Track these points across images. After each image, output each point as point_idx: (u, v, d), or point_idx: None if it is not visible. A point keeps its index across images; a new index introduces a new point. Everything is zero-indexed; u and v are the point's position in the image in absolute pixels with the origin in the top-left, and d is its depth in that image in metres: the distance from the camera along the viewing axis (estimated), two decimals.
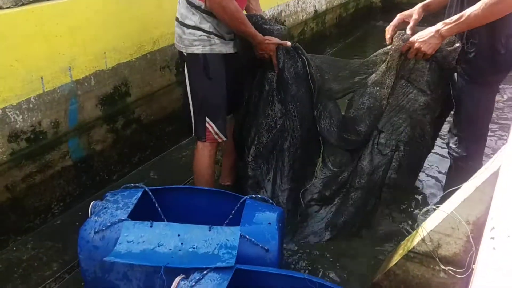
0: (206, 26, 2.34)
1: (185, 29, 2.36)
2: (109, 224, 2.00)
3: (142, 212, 2.15)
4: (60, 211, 2.73)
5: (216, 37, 2.36)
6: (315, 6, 5.44)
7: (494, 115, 2.77)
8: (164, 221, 2.22)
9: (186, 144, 3.51)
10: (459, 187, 1.63)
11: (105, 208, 2.13)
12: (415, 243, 1.81)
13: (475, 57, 2.26)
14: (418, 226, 1.77)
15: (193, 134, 2.57)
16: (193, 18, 2.34)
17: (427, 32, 2.20)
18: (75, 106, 2.67)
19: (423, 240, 1.76)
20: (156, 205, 2.24)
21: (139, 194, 2.21)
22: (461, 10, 2.15)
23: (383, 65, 2.42)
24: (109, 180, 3.01)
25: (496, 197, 1.32)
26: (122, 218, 2.03)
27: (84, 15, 2.60)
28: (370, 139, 2.51)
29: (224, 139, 2.54)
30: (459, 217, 1.50)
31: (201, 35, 2.34)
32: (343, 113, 2.61)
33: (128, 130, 3.08)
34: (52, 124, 2.58)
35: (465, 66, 2.30)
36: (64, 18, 2.50)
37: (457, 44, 2.24)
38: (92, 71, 2.73)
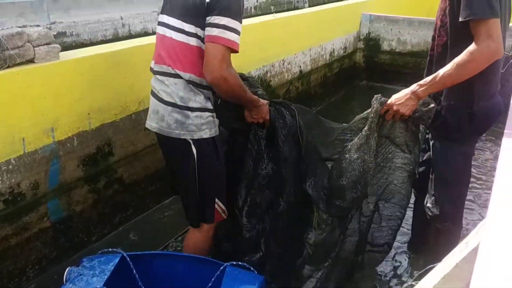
0: (209, 104, 2.22)
1: (189, 113, 2.16)
2: None
3: (120, 279, 2.09)
4: (36, 274, 2.64)
5: (215, 116, 2.26)
6: (300, 66, 5.57)
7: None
8: None
9: (168, 203, 3.47)
10: (435, 266, 1.62)
11: (80, 275, 2.07)
12: None
13: (447, 118, 2.31)
14: None
15: (194, 220, 2.37)
16: (198, 99, 2.17)
17: (403, 94, 2.24)
18: (56, 167, 2.65)
19: None
20: (134, 271, 2.18)
21: (117, 260, 2.16)
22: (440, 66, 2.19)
23: (365, 128, 2.42)
24: (88, 241, 2.95)
25: (475, 275, 1.31)
26: (98, 286, 1.97)
27: (70, 77, 2.63)
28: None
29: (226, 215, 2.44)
30: None
31: (208, 117, 2.20)
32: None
33: (109, 190, 3.05)
34: (32, 185, 2.54)
35: (439, 126, 2.35)
36: (49, 80, 2.52)
37: (432, 105, 2.28)
38: (75, 131, 2.73)
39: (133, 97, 3.06)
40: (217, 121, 2.27)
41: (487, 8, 1.99)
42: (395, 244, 2.97)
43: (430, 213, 2.52)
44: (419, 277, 1.66)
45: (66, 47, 7.22)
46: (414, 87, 2.22)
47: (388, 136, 2.42)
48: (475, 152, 4.12)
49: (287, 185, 2.44)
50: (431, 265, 1.71)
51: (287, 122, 2.42)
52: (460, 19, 2.08)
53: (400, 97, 2.25)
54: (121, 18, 8.54)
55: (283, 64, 5.18)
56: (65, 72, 2.60)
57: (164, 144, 2.34)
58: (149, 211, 3.39)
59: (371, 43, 7.23)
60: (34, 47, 2.47)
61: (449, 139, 2.37)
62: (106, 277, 2.04)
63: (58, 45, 2.59)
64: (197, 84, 2.17)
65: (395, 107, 2.25)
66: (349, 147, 2.46)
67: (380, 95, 2.34)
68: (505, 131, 2.36)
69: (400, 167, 2.45)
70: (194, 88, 2.17)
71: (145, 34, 8.42)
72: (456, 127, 2.32)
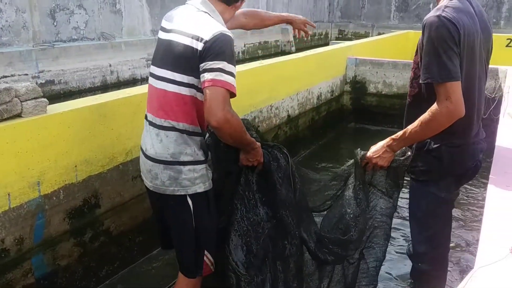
0: (201, 153, 2.20)
1: (182, 167, 2.16)
2: None
3: None
4: None
5: (208, 167, 2.25)
6: (288, 111, 5.64)
7: None
8: None
9: (156, 254, 3.41)
10: None
11: None
12: None
13: (416, 160, 2.39)
14: None
15: (191, 273, 2.32)
16: (189, 151, 2.16)
17: (380, 147, 2.37)
18: (41, 221, 2.61)
19: None
20: None
21: None
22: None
23: (351, 181, 2.50)
24: None
25: None
26: None
27: (57, 131, 2.63)
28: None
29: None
30: None
31: (201, 169, 2.19)
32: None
33: (96, 243, 3.00)
34: (16, 241, 2.49)
35: (411, 167, 2.44)
36: (36, 134, 2.51)
37: (408, 153, 2.39)
38: (61, 184, 2.70)
39: (120, 148, 3.06)
40: (210, 173, 2.27)
41: (443, 72, 2.07)
42: None
43: (407, 252, 2.64)
44: None
45: (54, 95, 7.32)
46: (388, 141, 2.34)
47: (371, 183, 2.51)
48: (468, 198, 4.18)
49: (290, 227, 2.39)
50: None
51: (281, 165, 2.40)
52: (420, 81, 2.19)
53: (377, 150, 2.37)
54: (110, 65, 8.70)
55: (271, 109, 5.23)
56: (51, 125, 2.60)
57: (159, 201, 2.33)
58: (137, 263, 3.32)
59: (357, 86, 7.37)
60: (21, 101, 2.47)
61: (420, 181, 2.44)
62: None
63: (45, 99, 2.60)
64: (190, 132, 2.17)
65: (373, 160, 2.38)
66: (344, 199, 2.51)
67: (359, 149, 2.46)
68: (490, 176, 2.40)
69: (383, 212, 2.54)
70: (187, 138, 2.17)
71: (134, 80, 8.56)
72: (424, 169, 2.39)
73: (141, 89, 3.32)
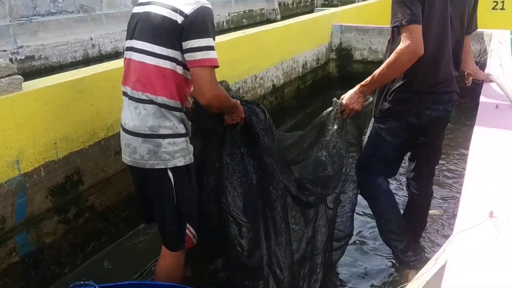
0: (181, 127, 2.20)
1: (161, 140, 2.15)
2: None
3: None
4: None
5: (188, 140, 2.25)
6: (273, 81, 5.59)
7: None
8: None
9: (142, 228, 3.41)
10: (406, 285, 1.62)
11: None
12: None
13: (376, 104, 2.75)
14: None
15: (174, 246, 2.34)
16: (168, 124, 2.15)
17: (353, 94, 2.66)
18: (23, 199, 2.58)
19: None
20: None
21: None
22: None
23: (335, 127, 2.71)
24: (60, 273, 2.87)
25: None
26: None
27: (33, 108, 2.57)
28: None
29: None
30: None
31: (181, 143, 2.19)
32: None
33: (80, 219, 2.99)
34: None
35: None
36: (11, 112, 2.46)
37: (371, 99, 2.76)
38: (42, 162, 2.67)
39: (100, 124, 3.02)
40: (191, 147, 2.26)
41: (407, 16, 2.37)
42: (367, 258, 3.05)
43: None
44: None
45: (35, 71, 7.18)
46: (359, 87, 2.65)
47: (344, 131, 2.79)
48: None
49: (275, 174, 2.50)
50: (403, 284, 1.72)
51: (261, 119, 2.53)
52: (390, 26, 2.52)
53: (351, 97, 2.66)
54: (91, 39, 8.51)
55: (255, 79, 5.18)
56: (27, 102, 2.54)
57: (138, 176, 2.32)
58: (123, 238, 3.32)
59: (343, 53, 7.31)
60: None
61: (375, 116, 2.82)
62: None
63: (20, 76, 2.54)
64: (170, 107, 2.16)
65: (350, 106, 2.66)
66: (321, 145, 2.75)
67: (335, 98, 2.74)
68: (472, 139, 2.41)
69: (353, 156, 2.89)
70: (166, 112, 2.15)
71: (116, 53, 8.40)
72: (379, 108, 2.74)
73: (119, 63, 3.25)
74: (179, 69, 2.14)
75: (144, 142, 2.16)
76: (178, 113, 2.20)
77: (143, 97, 2.15)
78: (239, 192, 2.46)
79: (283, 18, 12.82)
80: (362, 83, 2.64)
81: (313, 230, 2.69)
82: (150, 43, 2.12)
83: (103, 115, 3.03)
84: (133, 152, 2.21)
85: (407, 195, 3.15)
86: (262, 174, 2.49)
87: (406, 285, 1.64)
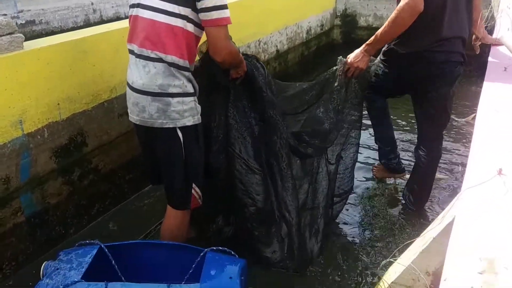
0: (190, 86, 2.19)
1: (170, 99, 2.13)
2: (61, 287, 1.91)
3: (99, 271, 2.05)
4: (12, 271, 2.59)
5: (196, 100, 2.24)
6: (276, 46, 5.51)
7: None
8: (121, 279, 2.13)
9: (147, 191, 3.42)
10: (413, 241, 1.62)
11: (57, 269, 2.03)
12: None
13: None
14: (379, 279, 1.73)
15: (181, 205, 2.35)
16: (178, 83, 2.14)
17: (359, 53, 2.74)
18: (27, 160, 2.58)
19: None
20: (113, 262, 2.14)
21: (94, 251, 2.12)
22: None
23: (335, 84, 2.79)
24: (65, 234, 2.89)
25: (450, 249, 1.31)
26: (76, 279, 1.94)
27: (35, 67, 2.53)
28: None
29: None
30: (417, 270, 1.47)
31: (190, 102, 2.17)
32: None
33: (85, 181, 2.99)
34: (3, 180, 2.47)
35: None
36: (13, 71, 2.42)
37: (376, 60, 2.88)
38: (45, 123, 2.65)
39: (104, 85, 2.98)
40: (199, 107, 2.25)
41: None
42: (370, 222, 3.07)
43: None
44: (398, 253, 1.66)
45: (35, 36, 7.06)
46: (364, 46, 2.74)
47: (346, 91, 2.85)
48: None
49: (279, 124, 2.59)
50: (409, 241, 1.72)
51: (261, 72, 2.59)
52: None
53: (356, 55, 2.74)
54: (92, 4, 8.35)
55: (259, 44, 5.11)
56: (29, 62, 2.50)
57: (147, 135, 2.30)
58: (128, 200, 3.34)
59: (347, 19, 7.20)
60: None
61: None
62: (84, 269, 2.01)
63: (21, 35, 2.49)
64: (179, 66, 2.14)
65: (355, 64, 2.74)
66: (327, 98, 2.83)
67: (341, 56, 2.81)
68: (480, 98, 2.38)
69: (356, 119, 2.92)
70: (176, 72, 2.14)
71: (118, 19, 8.27)
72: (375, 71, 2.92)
73: (122, 24, 3.20)
74: (190, 27, 2.12)
75: (153, 100, 2.14)
76: (186, 73, 2.18)
77: (152, 55, 2.12)
78: (249, 143, 2.55)
79: None
80: (367, 42, 2.73)
81: (314, 181, 2.79)
82: (163, 0, 2.08)
83: (106, 76, 2.99)
84: (142, 111, 2.18)
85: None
86: (265, 126, 2.58)
87: (413, 241, 1.64)
